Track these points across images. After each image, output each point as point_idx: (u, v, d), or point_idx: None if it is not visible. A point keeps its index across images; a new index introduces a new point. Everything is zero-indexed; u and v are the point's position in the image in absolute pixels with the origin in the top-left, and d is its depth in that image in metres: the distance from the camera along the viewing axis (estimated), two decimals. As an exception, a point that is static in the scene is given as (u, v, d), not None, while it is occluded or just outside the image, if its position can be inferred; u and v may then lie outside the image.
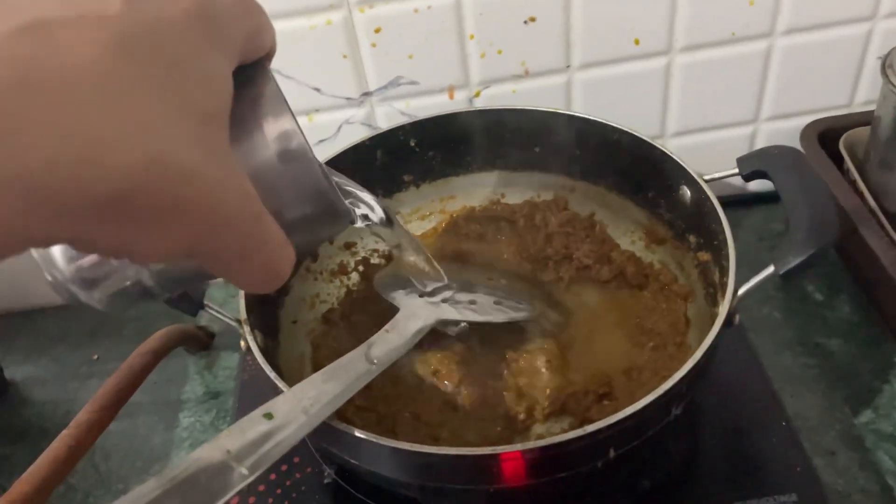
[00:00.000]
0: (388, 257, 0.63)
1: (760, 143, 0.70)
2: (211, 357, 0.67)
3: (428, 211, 0.64)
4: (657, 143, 0.54)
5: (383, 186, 0.62)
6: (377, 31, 0.59)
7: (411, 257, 0.47)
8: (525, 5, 0.59)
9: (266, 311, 0.53)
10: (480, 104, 0.65)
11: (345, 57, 0.60)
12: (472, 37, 0.61)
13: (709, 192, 0.49)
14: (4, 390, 0.68)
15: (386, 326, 0.47)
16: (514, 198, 0.64)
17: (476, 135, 0.61)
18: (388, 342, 0.46)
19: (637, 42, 0.62)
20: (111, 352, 0.70)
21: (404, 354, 0.46)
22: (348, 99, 0.63)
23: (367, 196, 0.39)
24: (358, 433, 0.39)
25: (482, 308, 0.52)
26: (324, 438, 0.43)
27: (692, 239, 0.54)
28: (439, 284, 0.52)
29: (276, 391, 0.41)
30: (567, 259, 0.59)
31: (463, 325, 0.51)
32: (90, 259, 0.26)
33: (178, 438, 0.61)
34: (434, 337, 0.54)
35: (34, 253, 0.25)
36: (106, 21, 0.20)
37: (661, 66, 0.64)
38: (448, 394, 0.51)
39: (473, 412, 0.50)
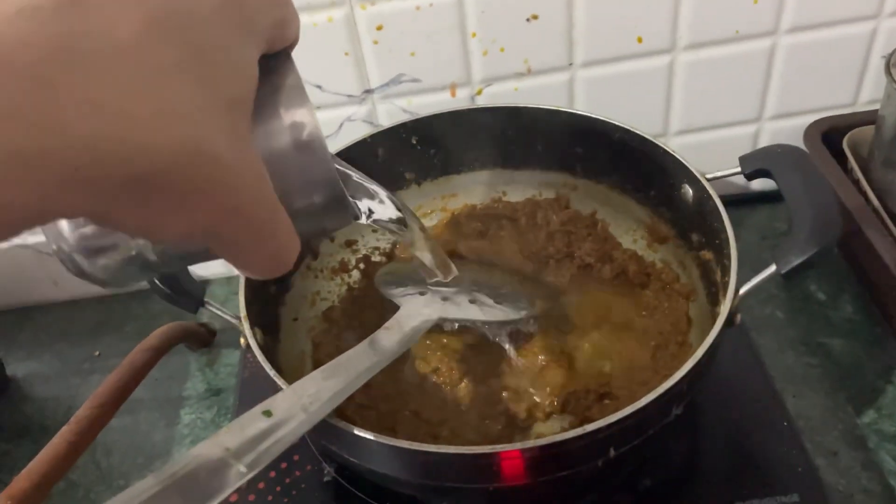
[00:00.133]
0: (390, 255, 0.63)
1: (764, 142, 0.70)
2: (212, 354, 0.67)
3: (429, 209, 0.64)
4: (659, 142, 0.53)
5: (384, 184, 0.61)
6: (379, 28, 0.59)
7: (425, 254, 0.47)
8: (527, 3, 0.59)
9: (267, 309, 0.53)
10: (482, 102, 0.65)
11: (346, 54, 0.60)
12: (474, 34, 0.60)
13: (711, 191, 0.49)
14: (6, 386, 0.68)
15: (386, 324, 0.47)
16: (516, 196, 0.64)
17: (478, 133, 0.61)
18: (388, 340, 0.45)
19: (640, 40, 0.62)
20: (113, 348, 0.70)
21: (405, 352, 0.46)
22: (350, 96, 0.63)
23: (381, 192, 0.38)
24: (357, 431, 0.39)
25: (483, 307, 0.52)
26: (323, 436, 0.43)
27: (694, 238, 0.54)
28: (440, 282, 0.52)
29: (277, 389, 0.41)
30: (568, 258, 0.59)
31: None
32: (95, 228, 0.26)
33: (179, 435, 0.61)
34: (435, 334, 0.54)
35: None
36: (144, 1, 0.20)
37: (664, 64, 0.63)
38: (448, 392, 0.51)
39: (474, 410, 0.50)
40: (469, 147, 0.62)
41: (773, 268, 0.43)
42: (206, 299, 0.47)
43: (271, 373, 0.42)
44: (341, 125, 0.65)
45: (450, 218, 0.64)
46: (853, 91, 0.67)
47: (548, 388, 0.50)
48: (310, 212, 0.27)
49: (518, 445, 0.38)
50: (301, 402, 0.38)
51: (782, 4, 0.61)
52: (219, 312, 0.47)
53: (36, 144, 0.18)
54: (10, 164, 0.18)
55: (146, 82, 0.20)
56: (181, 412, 0.63)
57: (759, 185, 0.59)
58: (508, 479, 0.40)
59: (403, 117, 0.61)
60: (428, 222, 0.64)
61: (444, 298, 0.52)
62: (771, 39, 0.63)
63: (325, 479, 0.52)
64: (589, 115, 0.57)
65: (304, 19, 0.58)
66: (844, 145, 0.65)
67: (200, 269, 0.73)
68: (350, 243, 0.62)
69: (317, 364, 0.54)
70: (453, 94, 0.64)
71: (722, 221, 0.47)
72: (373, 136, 0.58)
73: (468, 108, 0.60)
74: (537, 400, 0.50)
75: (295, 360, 0.54)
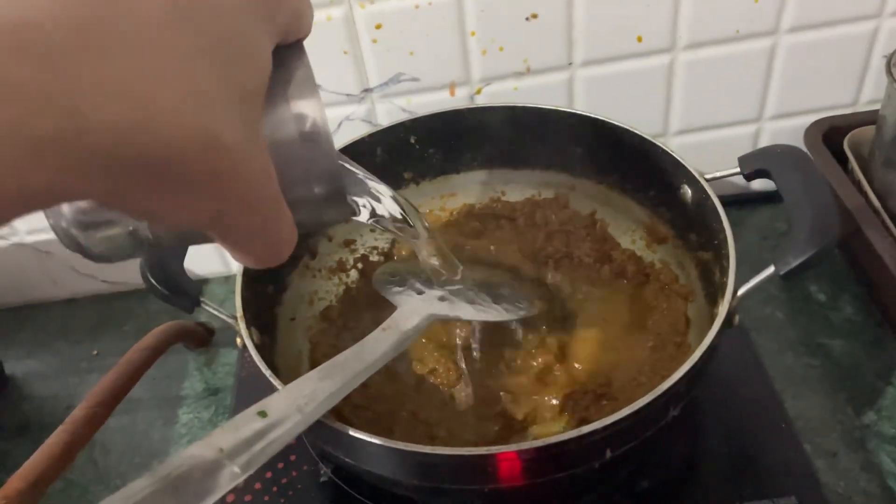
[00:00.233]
0: (388, 255, 0.63)
1: (764, 142, 0.70)
2: (210, 353, 0.67)
3: (428, 208, 0.64)
4: (658, 142, 0.53)
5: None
6: (378, 27, 0.59)
7: (430, 254, 0.47)
8: (527, 2, 0.59)
9: (264, 309, 0.53)
10: (481, 101, 0.64)
11: (345, 53, 0.60)
12: (473, 33, 0.60)
13: (709, 191, 0.49)
14: (4, 385, 0.68)
15: (383, 324, 0.47)
16: (515, 196, 0.64)
17: (476, 132, 0.61)
18: (385, 340, 0.45)
19: (640, 39, 0.61)
20: (111, 347, 0.70)
21: (402, 352, 0.46)
22: (349, 95, 0.63)
23: (384, 191, 0.38)
24: (352, 432, 0.39)
25: (481, 307, 0.52)
26: (319, 437, 0.43)
27: (693, 238, 0.54)
28: (443, 281, 0.52)
29: (273, 389, 0.41)
30: (567, 258, 0.59)
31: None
32: (93, 203, 0.26)
33: (176, 434, 0.61)
34: (433, 335, 0.54)
35: None
36: None
37: (664, 63, 0.63)
38: (446, 392, 0.51)
39: (471, 411, 0.50)
40: (468, 146, 0.62)
41: (771, 269, 0.42)
42: (202, 299, 0.47)
43: (267, 373, 0.42)
44: (340, 124, 0.65)
45: (448, 217, 0.63)
46: (854, 91, 0.67)
47: (545, 389, 0.50)
48: (309, 202, 0.27)
49: (514, 447, 0.38)
50: (296, 402, 0.38)
51: (783, 4, 0.60)
52: (215, 312, 0.47)
53: (55, 128, 0.18)
54: (29, 147, 0.18)
55: (168, 69, 0.20)
56: (179, 412, 0.63)
57: (761, 184, 0.59)
58: (505, 480, 0.40)
59: (402, 116, 0.61)
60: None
61: (442, 298, 0.52)
62: (771, 39, 0.62)
63: (322, 479, 0.52)
64: (588, 114, 0.57)
65: (303, 18, 0.58)
66: (845, 145, 0.64)
67: (198, 269, 0.73)
68: (348, 243, 0.62)
69: (314, 364, 0.54)
70: (452, 94, 0.64)
71: (721, 222, 0.47)
72: (371, 136, 0.58)
73: (467, 107, 0.60)
74: (535, 401, 0.50)
75: (292, 360, 0.54)
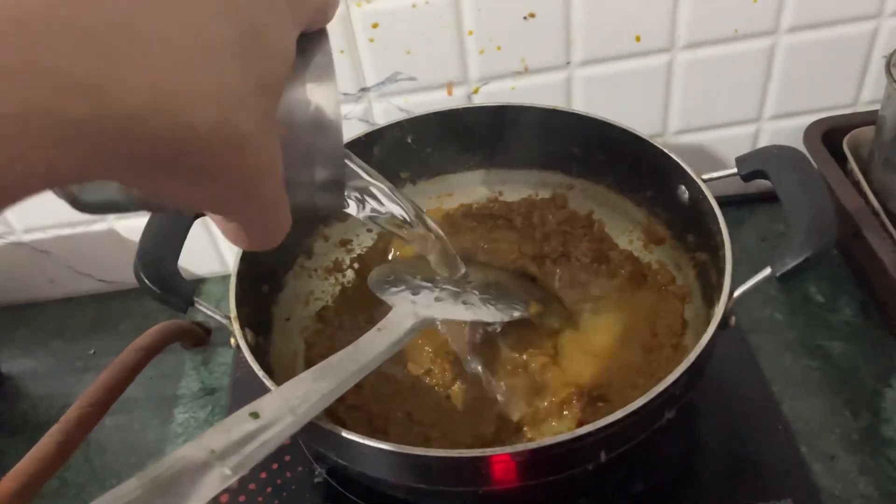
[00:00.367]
0: (384, 255, 0.63)
1: (764, 142, 0.69)
2: (207, 353, 0.67)
3: (425, 208, 0.63)
4: (656, 142, 0.53)
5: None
6: (375, 26, 0.59)
7: (432, 253, 0.47)
8: (524, 1, 0.59)
9: (259, 309, 0.52)
10: (479, 101, 0.64)
11: (342, 52, 0.60)
12: (470, 33, 0.60)
13: (706, 192, 0.49)
14: (1, 384, 0.68)
15: (378, 325, 0.47)
16: (512, 195, 0.63)
17: (474, 132, 0.60)
18: (380, 341, 0.45)
19: (638, 39, 0.61)
20: (108, 346, 0.70)
21: (397, 353, 0.46)
22: (345, 94, 0.63)
23: (384, 189, 0.38)
24: (345, 433, 0.39)
25: (477, 307, 0.52)
26: (313, 438, 0.43)
27: (690, 239, 0.54)
28: (434, 281, 0.52)
29: (267, 390, 0.41)
30: (564, 257, 0.59)
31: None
32: None
33: (172, 434, 0.61)
34: (428, 335, 0.53)
35: None
36: None
37: (663, 63, 0.63)
38: (441, 394, 0.51)
39: (466, 412, 0.50)
40: (465, 146, 0.62)
41: (767, 270, 0.42)
42: (196, 298, 0.47)
43: (260, 373, 0.42)
44: (337, 123, 0.64)
45: (445, 217, 0.63)
46: (854, 91, 0.67)
47: (541, 391, 0.50)
48: (307, 186, 0.28)
49: (508, 449, 0.38)
50: (289, 403, 0.38)
51: (782, 3, 0.60)
52: (209, 312, 0.47)
53: (84, 113, 0.18)
54: (60, 131, 0.18)
55: (200, 60, 0.20)
56: (175, 411, 0.63)
57: (760, 185, 0.59)
58: (499, 482, 0.40)
59: (399, 116, 0.61)
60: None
61: (438, 299, 0.51)
62: (771, 39, 0.62)
63: (316, 480, 0.52)
64: (586, 114, 0.56)
65: (299, 17, 0.58)
66: (844, 146, 0.64)
67: (195, 268, 0.73)
68: (344, 242, 0.62)
69: (309, 364, 0.53)
70: (450, 93, 0.63)
71: (718, 223, 0.47)
72: (368, 135, 0.58)
73: (464, 106, 0.60)
74: (530, 402, 0.49)
75: (287, 361, 0.54)
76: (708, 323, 0.42)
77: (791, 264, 0.41)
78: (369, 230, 0.63)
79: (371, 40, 0.60)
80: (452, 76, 0.62)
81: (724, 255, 0.45)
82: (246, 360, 0.43)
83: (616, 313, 0.55)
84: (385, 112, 0.64)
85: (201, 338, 0.67)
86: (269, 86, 0.23)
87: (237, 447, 0.35)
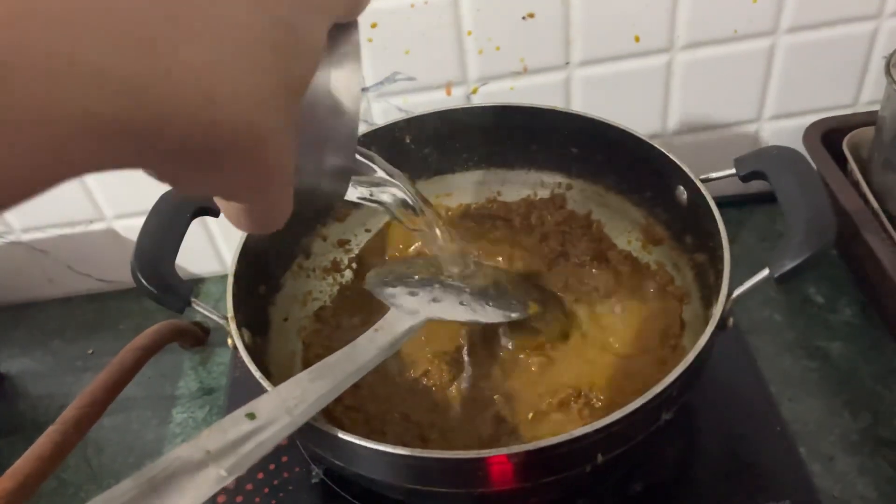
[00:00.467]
0: (382, 255, 0.62)
1: (764, 143, 0.69)
2: (205, 353, 0.67)
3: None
4: (654, 143, 0.53)
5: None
6: (373, 26, 0.59)
7: (438, 245, 0.47)
8: (523, 1, 0.59)
9: (256, 309, 0.52)
10: (478, 101, 0.64)
11: (341, 52, 0.60)
12: (469, 33, 0.60)
13: (705, 193, 0.49)
14: (0, 383, 0.68)
15: (375, 325, 0.46)
16: (511, 196, 0.63)
17: (473, 132, 0.60)
18: (377, 341, 0.45)
19: (637, 39, 0.61)
20: (106, 346, 0.70)
21: (395, 353, 0.46)
22: (345, 94, 0.62)
23: (390, 177, 0.38)
24: (342, 434, 0.39)
25: (475, 308, 0.52)
26: (309, 439, 0.43)
27: (689, 240, 0.54)
28: (432, 282, 0.52)
29: (264, 390, 0.41)
30: (563, 258, 0.59)
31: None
32: None
33: (170, 434, 0.61)
34: (426, 336, 0.53)
35: None
36: None
37: (662, 63, 0.63)
38: (438, 395, 0.51)
39: (463, 413, 0.49)
40: (464, 146, 0.62)
41: (766, 271, 0.42)
42: (193, 299, 0.46)
43: (256, 374, 0.42)
44: (336, 123, 0.64)
45: (444, 218, 0.63)
46: (854, 92, 0.66)
47: (538, 392, 0.50)
48: (315, 171, 0.28)
49: (504, 450, 0.38)
50: (286, 404, 0.38)
51: (782, 4, 0.60)
52: (205, 312, 0.46)
53: (123, 112, 0.18)
54: (100, 131, 0.18)
55: (238, 59, 0.20)
56: (173, 411, 0.63)
57: (760, 185, 0.58)
58: (496, 483, 0.40)
59: (398, 116, 0.61)
60: (422, 222, 0.64)
61: (435, 300, 0.51)
62: (770, 39, 0.62)
63: (314, 480, 0.52)
64: (584, 114, 0.56)
65: (298, 17, 0.57)
66: (844, 147, 0.64)
67: (194, 268, 0.73)
68: (342, 243, 0.62)
69: (307, 365, 0.53)
70: (449, 93, 0.63)
71: (716, 224, 0.47)
72: (366, 135, 0.57)
73: (463, 106, 0.60)
74: (528, 404, 0.49)
75: (285, 361, 0.54)
76: (706, 324, 0.42)
77: (789, 265, 0.41)
78: (368, 230, 0.63)
79: (370, 40, 0.60)
80: (451, 76, 0.62)
81: (722, 256, 0.45)
82: (244, 361, 0.43)
83: (614, 314, 0.55)
84: (384, 112, 0.64)
85: (200, 338, 0.67)
86: (297, 84, 0.23)
87: (233, 448, 0.35)
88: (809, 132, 0.66)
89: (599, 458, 0.40)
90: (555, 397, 0.50)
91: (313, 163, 0.27)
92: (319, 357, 0.44)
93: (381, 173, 0.38)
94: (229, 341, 0.45)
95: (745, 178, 0.49)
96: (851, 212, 0.59)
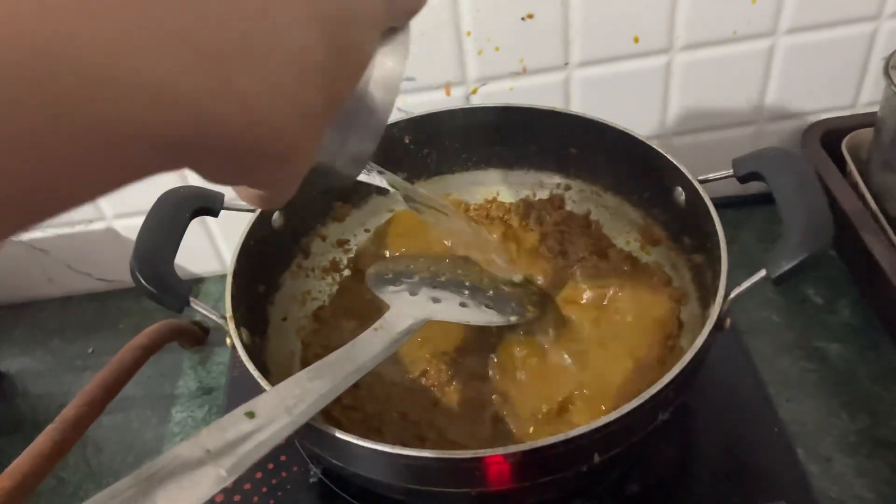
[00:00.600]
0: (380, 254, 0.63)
1: (763, 144, 0.69)
2: (205, 352, 0.67)
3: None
4: (653, 143, 0.53)
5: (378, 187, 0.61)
6: (373, 26, 0.59)
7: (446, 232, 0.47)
8: (523, 2, 0.59)
9: (255, 308, 0.52)
10: (477, 101, 0.64)
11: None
12: (469, 33, 0.60)
13: (703, 194, 0.49)
14: (-1, 382, 0.68)
15: (375, 325, 0.47)
16: (510, 196, 0.63)
17: (472, 132, 0.60)
18: (377, 340, 0.45)
19: (637, 40, 0.61)
20: (106, 345, 0.70)
21: (393, 353, 0.46)
22: (344, 94, 0.63)
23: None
24: (340, 434, 0.39)
25: (473, 309, 0.52)
26: (307, 438, 0.43)
27: (686, 240, 0.54)
28: (432, 282, 0.52)
29: (262, 389, 0.41)
30: (562, 258, 0.59)
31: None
32: None
33: (170, 433, 0.61)
34: (424, 336, 0.53)
35: None
36: None
37: (661, 64, 0.63)
38: (436, 394, 0.51)
39: (461, 413, 0.49)
40: (463, 147, 0.62)
41: (763, 272, 0.42)
42: (191, 298, 0.46)
43: (255, 373, 0.42)
44: (335, 123, 0.64)
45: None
46: (852, 93, 0.66)
47: (536, 392, 0.50)
48: (335, 152, 0.28)
49: (501, 450, 0.38)
50: (285, 403, 0.38)
51: (781, 4, 0.60)
52: (204, 311, 0.46)
53: (178, 128, 0.18)
54: (154, 148, 0.18)
55: (292, 82, 0.20)
56: (172, 410, 0.63)
57: (759, 186, 0.59)
58: (493, 483, 0.40)
59: (397, 116, 0.61)
60: (421, 222, 0.64)
61: (435, 300, 0.51)
62: (769, 40, 0.62)
63: (312, 480, 0.52)
64: (583, 115, 0.56)
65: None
66: (843, 148, 0.64)
67: (194, 267, 0.73)
68: (341, 243, 0.62)
69: (305, 364, 0.53)
70: (448, 94, 0.63)
71: (713, 224, 0.47)
72: (365, 135, 0.57)
73: (462, 107, 0.60)
74: (526, 404, 0.49)
75: (283, 361, 0.54)
76: (704, 324, 0.42)
77: (786, 266, 0.41)
78: (367, 230, 0.63)
79: (369, 40, 0.60)
80: (451, 77, 0.62)
81: (720, 257, 0.45)
82: (243, 360, 0.43)
83: (612, 315, 0.55)
84: (383, 112, 0.64)
85: (199, 337, 0.67)
86: (339, 98, 0.23)
87: (233, 447, 0.35)
88: (808, 133, 0.66)
89: (596, 458, 0.40)
90: (552, 398, 0.50)
91: (337, 143, 0.28)
92: (318, 356, 0.44)
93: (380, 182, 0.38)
94: (228, 341, 0.46)
95: (743, 179, 0.49)
96: (850, 213, 0.59)
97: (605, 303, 0.55)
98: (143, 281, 0.45)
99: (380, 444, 0.38)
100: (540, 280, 0.57)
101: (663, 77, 0.64)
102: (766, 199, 0.70)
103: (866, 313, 0.62)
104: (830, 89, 0.66)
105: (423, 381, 0.51)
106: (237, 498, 0.51)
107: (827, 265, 0.66)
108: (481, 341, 0.53)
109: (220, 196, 0.51)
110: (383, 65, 0.27)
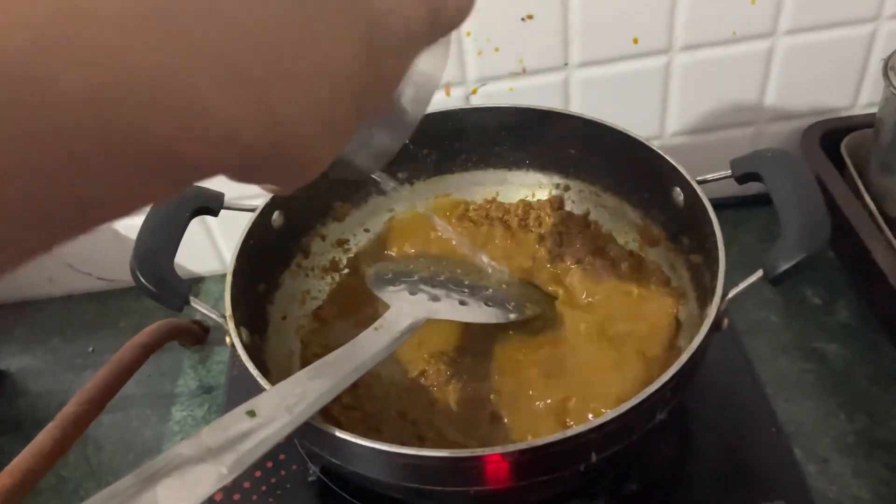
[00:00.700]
0: (380, 254, 0.63)
1: (762, 145, 0.69)
2: (205, 351, 0.67)
3: (422, 209, 0.63)
4: (651, 144, 0.53)
5: (377, 183, 0.61)
6: (373, 26, 0.59)
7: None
8: (522, 2, 0.59)
9: (255, 308, 0.53)
10: (477, 102, 0.64)
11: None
12: (468, 34, 0.60)
13: (701, 194, 0.49)
14: (0, 381, 0.68)
15: (375, 324, 0.47)
16: (509, 196, 0.63)
17: (471, 132, 0.60)
18: (377, 340, 0.45)
19: (636, 41, 0.61)
20: (106, 344, 0.70)
21: (392, 352, 0.46)
22: (344, 95, 0.63)
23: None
24: (339, 433, 0.39)
25: (473, 308, 0.52)
26: (306, 437, 0.43)
27: (685, 241, 0.54)
28: (432, 281, 0.53)
29: (262, 388, 0.41)
30: (560, 259, 0.59)
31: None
32: None
33: (169, 432, 0.62)
34: (424, 335, 0.53)
35: None
36: (364, 15, 0.20)
37: (661, 65, 0.63)
38: (435, 394, 0.51)
39: (460, 413, 0.50)
40: (462, 147, 0.62)
41: (760, 273, 0.42)
42: (192, 297, 0.47)
43: (254, 372, 0.42)
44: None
45: (442, 218, 0.63)
46: (852, 94, 0.67)
47: (535, 391, 0.50)
48: (360, 144, 0.29)
49: (499, 449, 0.38)
50: (285, 402, 0.38)
51: (780, 6, 0.60)
52: (204, 311, 0.47)
53: (212, 149, 0.18)
54: (197, 173, 0.19)
55: (325, 100, 0.20)
56: (172, 409, 0.63)
57: (759, 187, 0.59)
58: (490, 482, 0.40)
59: (397, 116, 0.61)
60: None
61: (435, 299, 0.52)
62: (769, 41, 0.62)
63: (311, 478, 0.52)
64: (583, 116, 0.56)
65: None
66: (842, 149, 0.64)
67: (194, 266, 0.73)
68: (341, 242, 0.62)
69: (305, 363, 0.54)
70: (448, 94, 0.64)
71: (712, 225, 0.47)
72: (365, 135, 0.58)
73: (462, 107, 0.60)
74: (524, 403, 0.50)
75: (283, 360, 0.54)
76: (702, 324, 0.42)
77: (783, 267, 0.41)
78: (366, 230, 0.63)
79: (369, 41, 0.60)
80: (450, 77, 0.63)
81: (718, 257, 0.45)
82: (242, 359, 0.43)
83: (611, 315, 0.55)
84: (383, 112, 0.64)
85: (199, 336, 0.67)
86: (368, 111, 0.23)
87: (234, 445, 0.35)
88: (808, 134, 0.66)
89: (594, 457, 0.40)
90: (550, 397, 0.50)
91: (362, 138, 0.28)
92: (317, 356, 0.44)
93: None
94: (228, 340, 0.46)
95: (741, 180, 0.49)
96: (849, 214, 0.59)
97: (603, 302, 0.55)
98: (143, 280, 0.45)
99: (378, 443, 0.38)
100: (538, 280, 0.57)
101: (663, 78, 0.64)
102: (766, 200, 0.70)
103: (864, 314, 0.62)
104: (829, 90, 0.66)
105: (422, 380, 0.52)
106: (237, 496, 0.51)
107: (825, 266, 0.66)
108: (480, 341, 0.53)
109: (220, 195, 0.51)
110: (421, 66, 0.27)
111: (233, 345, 0.45)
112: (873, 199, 0.61)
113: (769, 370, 0.58)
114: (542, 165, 0.62)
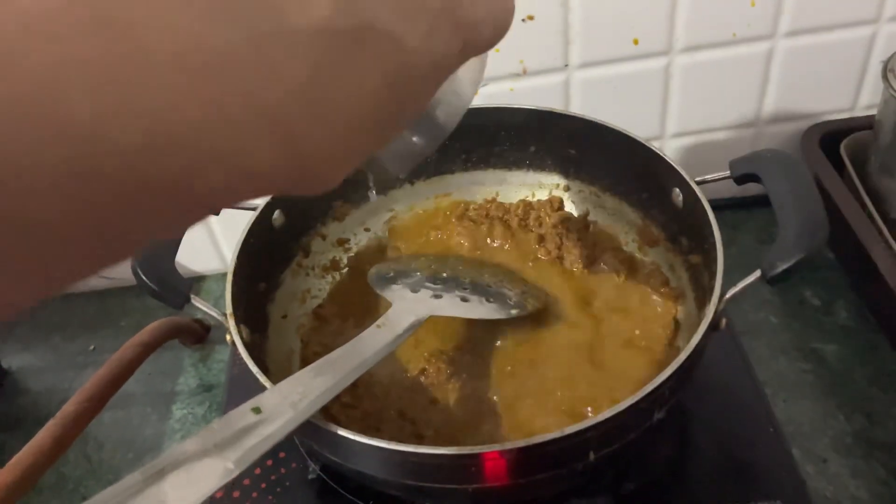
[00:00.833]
0: (381, 252, 0.63)
1: (762, 146, 0.69)
2: (206, 350, 0.68)
3: (422, 208, 0.64)
4: (651, 145, 0.53)
5: (377, 183, 0.61)
6: (374, 27, 0.59)
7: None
8: (523, 3, 0.59)
9: (255, 306, 0.53)
10: (477, 102, 0.64)
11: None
12: (469, 34, 0.60)
13: (700, 195, 0.49)
14: (1, 378, 0.68)
15: (378, 321, 0.47)
16: (509, 196, 0.64)
17: (472, 132, 0.61)
18: (379, 337, 0.45)
19: (636, 42, 0.61)
20: (108, 342, 0.70)
21: (392, 351, 0.46)
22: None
23: None
24: (340, 431, 0.39)
25: (474, 305, 0.52)
26: (306, 434, 0.43)
27: (684, 241, 0.54)
28: (433, 279, 0.53)
29: (262, 386, 0.41)
30: (560, 259, 0.59)
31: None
32: None
33: (170, 430, 0.62)
34: (424, 334, 0.54)
35: None
36: (399, 51, 0.20)
37: (661, 66, 0.63)
38: (435, 392, 0.51)
39: (459, 411, 0.50)
40: (463, 147, 0.62)
41: (757, 273, 0.42)
42: (192, 296, 0.47)
43: (255, 371, 0.42)
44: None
45: (442, 218, 0.63)
46: (852, 96, 0.67)
47: (535, 390, 0.50)
48: (395, 145, 0.29)
49: (497, 447, 0.38)
50: (290, 399, 0.38)
51: (780, 8, 0.60)
52: (205, 309, 0.47)
53: (225, 181, 0.18)
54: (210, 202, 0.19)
55: (348, 133, 0.20)
56: (173, 407, 0.63)
57: (758, 188, 0.59)
58: (489, 479, 0.40)
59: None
60: (421, 222, 0.64)
61: (436, 296, 0.52)
62: (769, 43, 0.62)
63: (310, 476, 0.52)
64: (583, 116, 0.57)
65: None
66: (842, 150, 0.64)
67: (195, 265, 0.74)
68: (342, 242, 0.62)
69: (305, 362, 0.54)
70: (448, 94, 0.64)
71: (710, 225, 0.47)
72: (366, 135, 0.58)
73: (462, 108, 0.60)
74: (524, 401, 0.50)
75: (283, 358, 0.54)
76: (700, 324, 0.43)
77: (781, 267, 0.41)
78: (367, 230, 0.63)
79: (370, 41, 0.60)
80: (451, 77, 0.63)
81: (716, 258, 0.45)
82: (243, 358, 0.44)
83: (611, 314, 0.55)
84: (384, 112, 0.64)
85: (200, 335, 0.67)
86: (388, 139, 0.23)
87: (240, 442, 0.35)
88: (807, 136, 0.66)
89: (592, 455, 0.40)
90: (551, 395, 0.50)
91: (407, 137, 0.28)
92: (317, 354, 0.44)
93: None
94: (228, 338, 0.46)
95: (739, 181, 0.49)
96: (848, 215, 0.59)
97: (602, 303, 0.56)
98: (144, 279, 0.46)
99: (377, 440, 0.39)
100: (538, 280, 0.58)
101: (663, 79, 0.64)
102: (765, 202, 0.70)
103: (863, 315, 0.62)
104: (829, 92, 0.66)
105: (422, 379, 0.52)
106: (236, 494, 0.52)
107: (824, 267, 0.66)
108: (480, 340, 0.53)
109: (221, 195, 0.51)
110: (464, 77, 0.27)
111: (233, 343, 0.45)
112: (873, 200, 0.61)
113: (768, 370, 0.58)
114: (542, 166, 0.62)
